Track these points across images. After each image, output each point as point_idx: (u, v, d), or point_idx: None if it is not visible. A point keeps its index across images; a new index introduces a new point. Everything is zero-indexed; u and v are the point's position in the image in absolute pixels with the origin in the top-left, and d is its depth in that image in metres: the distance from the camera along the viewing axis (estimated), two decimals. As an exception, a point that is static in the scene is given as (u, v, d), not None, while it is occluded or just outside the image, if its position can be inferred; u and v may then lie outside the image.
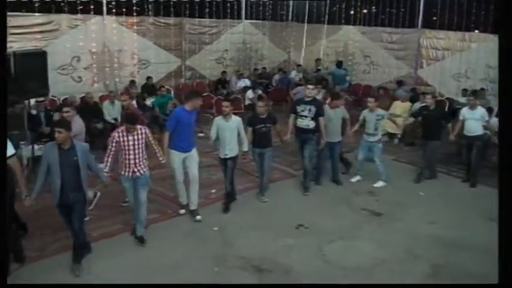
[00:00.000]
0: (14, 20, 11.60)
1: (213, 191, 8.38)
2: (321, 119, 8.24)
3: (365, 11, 17.07)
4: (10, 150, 5.38)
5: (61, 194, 5.52)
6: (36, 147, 8.35)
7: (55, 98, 11.84)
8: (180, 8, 15.21)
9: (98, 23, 13.22)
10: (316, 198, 8.38)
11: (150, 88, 13.47)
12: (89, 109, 10.68)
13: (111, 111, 10.84)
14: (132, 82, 13.36)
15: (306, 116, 8.24)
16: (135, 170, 6.46)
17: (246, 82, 15.31)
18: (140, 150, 6.46)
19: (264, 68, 17.43)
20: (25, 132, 9.05)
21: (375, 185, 8.83)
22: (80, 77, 13.03)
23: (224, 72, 16.03)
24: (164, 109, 11.31)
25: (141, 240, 6.59)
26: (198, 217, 7.35)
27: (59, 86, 11.54)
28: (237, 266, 6.12)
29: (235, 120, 7.60)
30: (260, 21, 17.60)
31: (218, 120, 7.68)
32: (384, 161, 9.02)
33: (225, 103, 7.61)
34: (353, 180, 9.06)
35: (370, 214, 7.74)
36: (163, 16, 14.86)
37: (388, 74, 15.94)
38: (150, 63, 14.64)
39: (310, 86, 8.43)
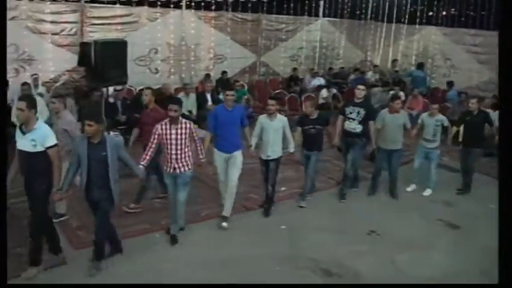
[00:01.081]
0: (96, 11, 12.05)
1: (283, 188, 8.17)
2: (370, 123, 7.80)
3: (444, 12, 16.38)
4: (52, 140, 5.24)
5: (87, 190, 5.34)
6: (112, 133, 8.51)
7: (132, 88, 12.11)
8: (258, 4, 15.18)
9: (177, 16, 13.44)
10: (389, 204, 8.03)
11: (224, 83, 13.50)
12: (164, 100, 10.80)
13: (186, 103, 10.91)
14: (207, 76, 13.47)
15: (353, 119, 7.79)
16: (176, 166, 6.06)
17: (320, 81, 15.06)
18: (183, 145, 6.04)
19: (342, 67, 17.09)
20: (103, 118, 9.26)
21: (424, 194, 8.34)
22: (156, 69, 13.32)
23: (295, 69, 15.86)
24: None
25: (173, 239, 6.31)
26: (224, 224, 6.80)
27: (136, 76, 11.72)
28: (305, 267, 5.92)
29: (281, 120, 7.14)
30: (338, 19, 17.29)
31: (262, 118, 7.24)
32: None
33: (271, 101, 7.14)
34: (409, 189, 8.50)
35: (445, 225, 7.31)
36: (241, 11, 14.87)
37: (469, 78, 15.09)
38: (226, 58, 14.72)
39: (361, 87, 7.95)
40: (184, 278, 5.52)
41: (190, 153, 6.19)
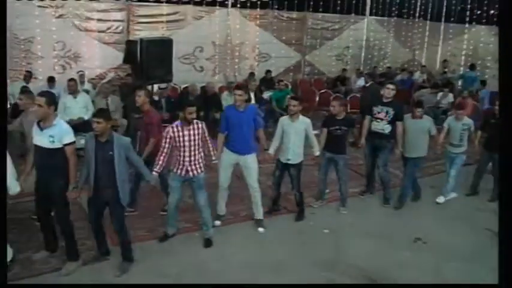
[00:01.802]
0: (142, 9, 12.09)
1: (327, 190, 7.82)
2: (398, 124, 7.34)
3: (494, 11, 15.74)
4: (70, 137, 5.17)
5: (95, 190, 5.18)
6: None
7: (176, 86, 12.12)
8: (304, 2, 14.96)
9: (222, 15, 13.36)
10: (434, 210, 7.68)
11: (268, 82, 13.37)
12: (209, 99, 10.73)
13: (230, 103, 10.82)
14: (251, 74, 13.36)
15: (381, 119, 7.38)
16: (189, 169, 5.83)
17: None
18: (196, 147, 5.83)
19: (389, 67, 16.67)
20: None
21: (438, 200, 7.88)
22: (201, 67, 13.28)
23: (344, 69, 15.52)
24: (282, 103, 11.10)
25: (208, 243, 6.15)
26: (261, 229, 6.64)
27: (181, 74, 11.69)
28: (348, 274, 5.70)
29: (303, 122, 6.71)
30: (385, 18, 16.87)
31: (283, 120, 6.83)
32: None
33: (293, 101, 6.66)
34: (439, 201, 7.91)
35: (494, 235, 6.91)
36: (286, 10, 14.68)
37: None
38: (270, 57, 14.55)
39: (390, 86, 7.46)
40: (227, 280, 5.40)
41: (202, 154, 5.98)
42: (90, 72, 11.60)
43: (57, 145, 5.09)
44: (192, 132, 5.75)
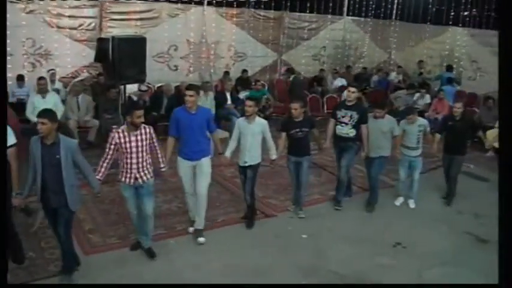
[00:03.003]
0: (115, 6, 11.84)
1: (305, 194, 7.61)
2: (363, 126, 7.16)
3: (469, 12, 15.82)
4: (10, 139, 4.91)
5: (42, 195, 4.87)
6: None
7: (150, 85, 11.82)
8: (281, 2, 14.80)
9: (198, 13, 13.10)
10: (414, 214, 7.58)
11: (244, 81, 13.18)
12: (183, 99, 10.45)
13: (205, 103, 10.57)
14: (226, 73, 13.18)
15: (346, 123, 7.18)
16: (137, 176, 5.48)
17: (342, 81, 14.65)
18: (144, 153, 5.48)
19: (365, 68, 16.63)
20: (119, 116, 9.04)
21: (410, 206, 7.81)
22: (176, 66, 13.00)
23: (322, 70, 15.40)
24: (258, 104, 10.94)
25: (150, 253, 5.80)
26: (201, 239, 6.22)
27: (155, 73, 11.45)
28: (329, 280, 5.56)
29: (260, 123, 6.50)
30: (362, 18, 16.81)
31: (240, 121, 6.63)
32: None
33: (249, 102, 6.46)
34: (397, 203, 7.87)
35: (475, 240, 6.86)
36: (263, 9, 14.52)
37: (496, 82, 14.50)
38: (246, 56, 14.37)
39: (351, 89, 7.28)
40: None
41: (150, 160, 5.63)
42: (61, 71, 11.29)
43: None
44: (139, 137, 5.41)
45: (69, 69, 11.60)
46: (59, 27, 11.31)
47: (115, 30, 11.46)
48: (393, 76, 16.05)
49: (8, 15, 10.25)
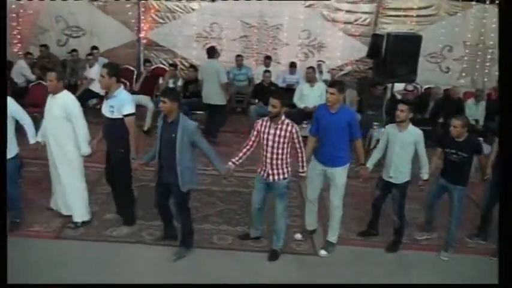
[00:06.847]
0: (393, 1, 11.63)
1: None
2: None
3: None
4: (128, 108, 5.24)
5: (158, 170, 5.07)
6: (382, 129, 7.88)
7: (417, 86, 11.31)
8: None
9: (479, 11, 11.97)
10: None
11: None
12: (450, 104, 9.76)
13: (474, 112, 9.72)
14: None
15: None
16: (270, 173, 5.15)
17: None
18: (280, 150, 5.05)
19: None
20: (382, 114, 8.88)
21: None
22: (448, 68, 12.12)
23: None
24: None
25: (274, 254, 5.44)
26: (323, 252, 5.61)
27: (425, 74, 10.86)
28: None
29: (413, 133, 5.43)
30: None
31: (389, 128, 5.65)
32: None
33: (402, 106, 5.39)
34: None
35: None
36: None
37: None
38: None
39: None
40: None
41: (288, 160, 5.19)
42: (330, 63, 11.65)
43: (117, 115, 5.22)
44: (278, 132, 5.04)
45: (339, 62, 11.87)
46: (334, 21, 11.63)
47: (390, 26, 11.28)
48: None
49: (287, 10, 11.21)
